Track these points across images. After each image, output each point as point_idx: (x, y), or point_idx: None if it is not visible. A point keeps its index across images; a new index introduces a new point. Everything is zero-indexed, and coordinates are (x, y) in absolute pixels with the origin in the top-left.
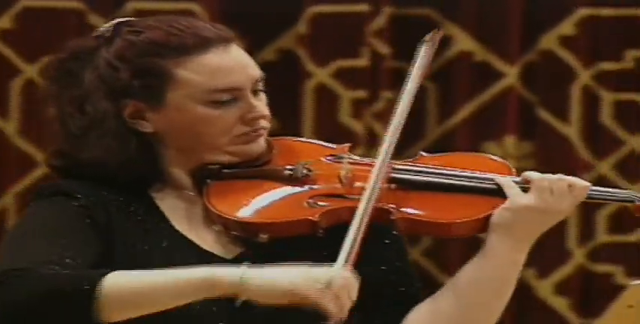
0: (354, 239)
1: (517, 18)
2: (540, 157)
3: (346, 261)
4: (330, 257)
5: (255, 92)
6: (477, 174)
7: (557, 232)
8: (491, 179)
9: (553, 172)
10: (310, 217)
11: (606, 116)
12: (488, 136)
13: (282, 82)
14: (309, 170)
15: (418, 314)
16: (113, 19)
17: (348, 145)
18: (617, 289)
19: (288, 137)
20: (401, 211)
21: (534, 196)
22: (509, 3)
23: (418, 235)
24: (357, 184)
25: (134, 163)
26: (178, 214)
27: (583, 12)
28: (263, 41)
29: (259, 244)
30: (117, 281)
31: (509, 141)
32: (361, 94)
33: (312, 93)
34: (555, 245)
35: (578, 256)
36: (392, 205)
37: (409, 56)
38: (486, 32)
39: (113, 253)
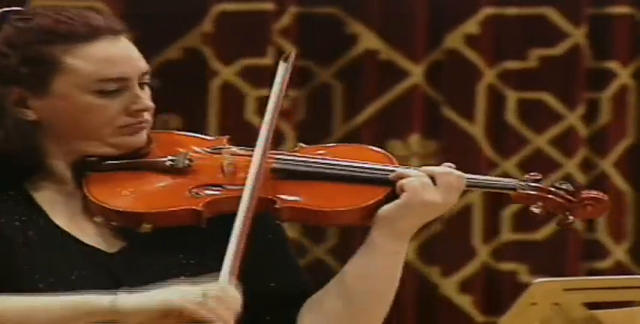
0: (236, 248)
1: (422, 17)
2: (445, 155)
3: (230, 271)
4: (213, 249)
5: (141, 85)
6: (370, 164)
7: (462, 230)
8: (390, 170)
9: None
10: (194, 207)
11: (511, 115)
12: (394, 134)
13: (187, 80)
14: (191, 161)
15: (308, 312)
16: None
17: (226, 137)
18: (521, 287)
19: (166, 130)
20: (285, 200)
21: (435, 192)
22: (414, 2)
23: (304, 224)
24: (240, 174)
25: (16, 153)
26: (58, 208)
27: (487, 11)
28: (168, 40)
29: (142, 236)
30: None
31: (415, 139)
32: (266, 92)
33: (217, 91)
34: (460, 243)
35: (483, 254)
36: (276, 195)
37: (315, 55)
38: (392, 31)
39: None
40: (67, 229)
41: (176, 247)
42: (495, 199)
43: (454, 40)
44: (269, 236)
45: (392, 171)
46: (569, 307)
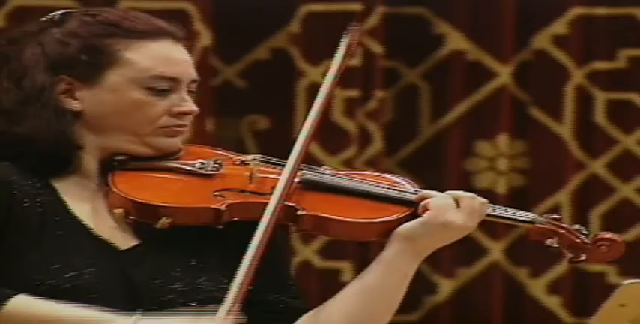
0: (244, 278)
1: (510, 17)
2: (533, 156)
3: (233, 303)
4: (226, 256)
5: (188, 92)
6: (394, 185)
7: None
8: (414, 191)
9: (547, 171)
10: (217, 206)
11: (599, 115)
12: (481, 135)
13: (275, 81)
14: (220, 166)
15: None
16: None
17: (253, 156)
18: (610, 288)
19: (194, 145)
20: (307, 208)
21: (457, 214)
22: (502, 2)
23: (322, 235)
24: (266, 185)
25: (59, 141)
26: (78, 201)
27: (576, 11)
28: (256, 40)
29: (156, 237)
30: (18, 308)
31: (502, 140)
32: (354, 93)
33: (304, 92)
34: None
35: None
36: (299, 203)
37: (402, 56)
38: (480, 31)
39: (6, 235)
40: (83, 221)
41: (187, 250)
42: (584, 200)
43: (542, 40)
44: (274, 251)
45: (417, 192)
46: None
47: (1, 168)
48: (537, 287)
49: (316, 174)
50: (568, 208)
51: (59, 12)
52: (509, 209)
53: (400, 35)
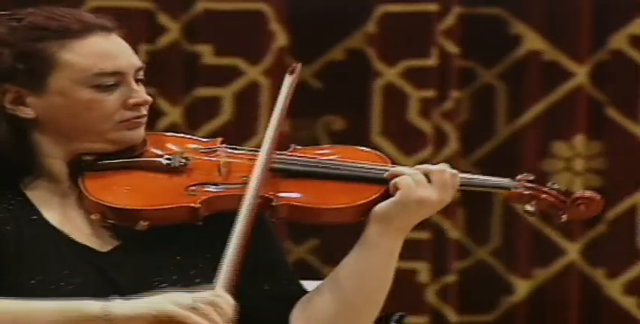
0: (235, 252)
1: (587, 17)
2: (610, 156)
3: (226, 277)
4: (207, 250)
5: (136, 81)
6: (363, 164)
7: (628, 231)
8: (383, 169)
9: (623, 172)
10: (191, 204)
11: None
12: (558, 135)
13: (351, 81)
14: (187, 159)
15: (298, 312)
16: (181, 18)
17: (220, 139)
18: None
19: (158, 132)
20: (282, 198)
21: (429, 189)
22: (579, 2)
23: (299, 222)
24: (236, 173)
25: (11, 152)
26: (52, 207)
27: None
28: (332, 41)
29: (136, 236)
30: None
31: (579, 140)
32: (430, 93)
33: (380, 92)
34: (625, 245)
35: None
36: (273, 193)
37: (478, 56)
38: (556, 31)
39: None
40: (60, 228)
41: (169, 247)
42: None
43: (619, 40)
44: (263, 238)
45: (386, 170)
46: None
47: None
48: (614, 288)
49: (286, 160)
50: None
51: None
52: (482, 177)
53: (476, 35)
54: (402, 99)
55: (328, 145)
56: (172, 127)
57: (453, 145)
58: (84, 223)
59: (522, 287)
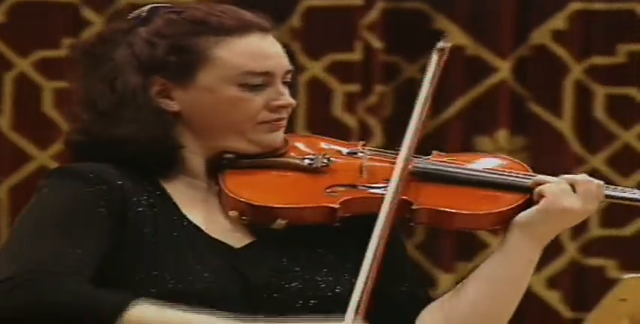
0: (365, 285)
1: (509, 12)
2: (533, 151)
3: (356, 311)
4: (343, 252)
5: (283, 83)
6: (508, 171)
7: None
8: (528, 177)
9: (545, 166)
10: (331, 204)
11: (599, 110)
12: (481, 130)
13: None
14: (329, 160)
15: (431, 315)
16: (106, 13)
17: (362, 142)
18: (610, 283)
19: (302, 134)
20: (422, 202)
21: (574, 199)
22: None
23: (437, 227)
24: (378, 176)
25: (160, 143)
26: (189, 202)
27: (575, 6)
28: None
29: (272, 235)
30: (139, 314)
31: (502, 135)
32: (354, 87)
33: (305, 87)
34: None
35: (571, 249)
36: (413, 197)
37: (402, 50)
38: (479, 27)
39: (123, 240)
40: (195, 222)
41: (306, 246)
42: None
43: (541, 35)
44: (396, 240)
45: (531, 177)
46: None
47: (108, 171)
48: (537, 282)
49: (428, 164)
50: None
51: (146, 8)
52: (626, 189)
53: (400, 30)
54: (327, 93)
55: (473, 153)
56: None
57: (377, 139)
58: (221, 218)
59: (445, 281)
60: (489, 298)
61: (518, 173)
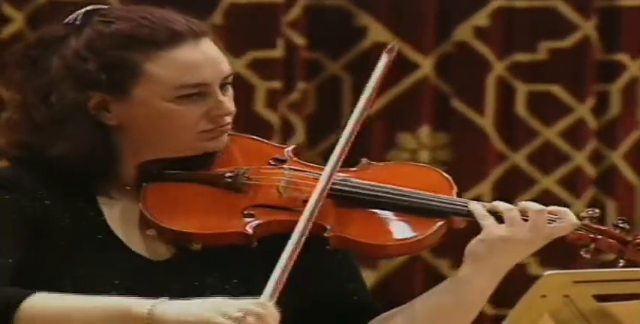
0: (284, 268)
1: (432, 9)
2: (455, 147)
3: (273, 291)
4: (260, 268)
5: (223, 86)
6: (442, 197)
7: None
8: (463, 204)
9: (468, 163)
10: (244, 230)
11: (521, 107)
12: (403, 127)
13: None
14: (249, 179)
15: None
16: (26, 9)
17: (292, 146)
18: (531, 279)
19: (232, 133)
20: (336, 229)
21: (509, 228)
22: None
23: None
24: (297, 195)
25: (96, 157)
26: (116, 213)
27: (497, 3)
28: None
29: (191, 251)
30: (36, 304)
31: (424, 132)
32: (276, 84)
33: None
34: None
35: None
36: (329, 222)
37: (324, 47)
38: (401, 23)
39: (39, 250)
40: (119, 235)
41: (222, 264)
42: (506, 191)
43: (464, 32)
44: (345, 257)
45: (465, 205)
46: (579, 300)
47: (30, 179)
48: None
49: (349, 187)
50: (489, 200)
51: (81, 12)
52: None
53: (322, 27)
54: (249, 90)
55: (404, 163)
56: None
57: (299, 136)
58: (143, 231)
59: (368, 278)
60: (438, 322)
61: (447, 198)
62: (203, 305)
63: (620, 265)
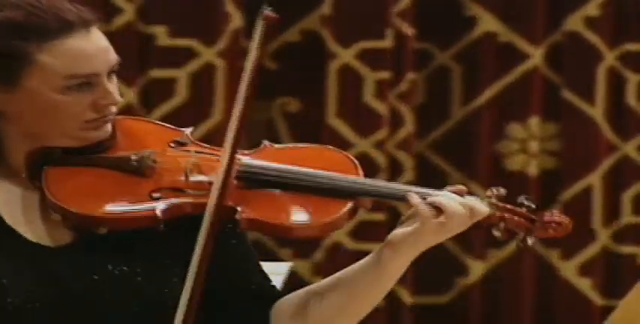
0: (202, 253)
1: None
2: (565, 138)
3: (187, 313)
4: (168, 252)
5: (109, 74)
6: (351, 178)
7: (582, 212)
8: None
9: (578, 154)
10: (152, 214)
11: (631, 97)
12: (513, 117)
13: (306, 63)
14: (154, 161)
15: (284, 311)
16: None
17: (190, 129)
18: None
19: (128, 117)
20: (245, 211)
21: (444, 223)
22: None
23: (260, 233)
24: (202, 177)
25: None
26: (10, 201)
27: None
28: (287, 22)
29: (95, 235)
30: None
31: (534, 122)
32: (385, 75)
33: (336, 74)
34: (580, 226)
35: (603, 237)
36: (237, 204)
37: (434, 37)
38: (511, 13)
39: None
40: (11, 224)
41: (127, 248)
42: (616, 182)
43: (574, 22)
44: (233, 241)
45: (353, 183)
46: None
47: None
48: (568, 269)
49: (254, 169)
50: (599, 191)
51: None
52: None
53: (431, 17)
54: (358, 81)
55: (301, 146)
56: (127, 109)
57: (408, 126)
58: (40, 217)
59: (477, 268)
60: (351, 301)
61: (344, 178)
62: None
63: (530, 242)
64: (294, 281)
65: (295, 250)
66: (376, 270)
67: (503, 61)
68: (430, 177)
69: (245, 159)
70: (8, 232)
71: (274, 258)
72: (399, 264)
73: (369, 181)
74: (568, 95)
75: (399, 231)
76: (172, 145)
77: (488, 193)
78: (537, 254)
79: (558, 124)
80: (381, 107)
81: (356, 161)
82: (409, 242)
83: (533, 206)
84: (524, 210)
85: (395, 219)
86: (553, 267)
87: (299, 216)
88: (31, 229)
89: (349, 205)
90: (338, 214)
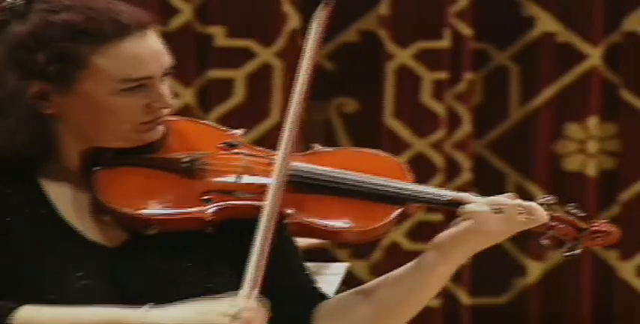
0: (258, 262)
1: None
2: (624, 138)
3: (252, 287)
4: (219, 253)
5: (163, 77)
6: (384, 181)
7: None
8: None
9: (637, 154)
10: (202, 216)
11: None
12: (572, 117)
13: (363, 63)
14: (205, 163)
15: (326, 313)
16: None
17: (242, 130)
18: None
19: (180, 118)
20: (295, 216)
21: (501, 223)
22: None
23: (308, 237)
24: (253, 179)
25: (32, 147)
26: (65, 200)
27: None
28: (345, 23)
29: (148, 235)
30: (27, 320)
31: (593, 122)
32: (442, 75)
33: (393, 74)
34: (639, 227)
35: None
36: (288, 208)
37: (491, 38)
38: (569, 13)
39: None
40: (70, 223)
41: (181, 247)
42: None
43: (633, 22)
44: (286, 240)
45: (401, 189)
46: None
47: None
48: (627, 270)
49: (306, 173)
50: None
51: None
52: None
53: (489, 17)
54: (415, 81)
55: (355, 150)
56: (185, 109)
57: (466, 127)
58: (95, 217)
59: (535, 269)
60: (396, 305)
61: (396, 183)
62: (198, 309)
63: (577, 252)
64: (351, 281)
65: (352, 250)
66: (420, 273)
67: (561, 62)
68: (488, 177)
69: (295, 163)
70: (67, 229)
71: (332, 259)
72: (443, 267)
73: (418, 187)
74: (626, 95)
75: (444, 232)
76: (223, 146)
77: (540, 200)
78: (596, 255)
79: (617, 124)
80: (438, 107)
81: (405, 166)
82: (453, 244)
83: (582, 215)
84: (572, 218)
85: (452, 220)
86: (611, 268)
87: (347, 221)
88: (88, 228)
89: (398, 211)
90: (386, 219)
